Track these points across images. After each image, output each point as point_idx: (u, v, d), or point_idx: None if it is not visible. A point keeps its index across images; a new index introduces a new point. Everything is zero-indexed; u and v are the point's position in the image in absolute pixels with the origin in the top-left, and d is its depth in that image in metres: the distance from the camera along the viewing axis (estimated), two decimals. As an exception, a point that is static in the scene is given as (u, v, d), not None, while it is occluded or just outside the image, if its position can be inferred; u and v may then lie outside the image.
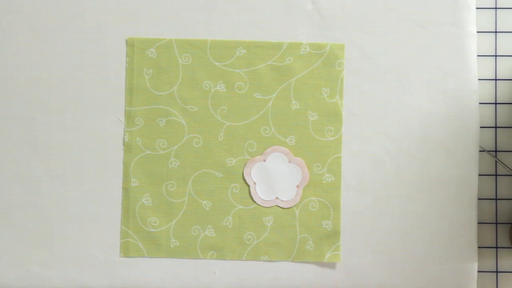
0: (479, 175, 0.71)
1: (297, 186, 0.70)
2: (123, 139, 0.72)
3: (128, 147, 0.72)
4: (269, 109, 0.71)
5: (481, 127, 0.71)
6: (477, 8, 0.72)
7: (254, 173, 0.71)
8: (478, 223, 0.71)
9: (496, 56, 0.72)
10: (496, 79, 0.72)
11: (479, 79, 0.71)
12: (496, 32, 0.73)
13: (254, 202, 0.71)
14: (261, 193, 0.71)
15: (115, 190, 0.72)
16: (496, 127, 0.72)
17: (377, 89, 0.71)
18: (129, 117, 0.72)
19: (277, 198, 0.70)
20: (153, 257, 0.71)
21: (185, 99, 0.72)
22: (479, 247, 0.71)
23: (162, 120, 0.72)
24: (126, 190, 0.71)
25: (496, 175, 0.72)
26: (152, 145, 0.72)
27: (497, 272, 0.72)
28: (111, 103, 0.72)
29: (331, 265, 0.71)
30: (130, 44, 0.72)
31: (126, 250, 0.71)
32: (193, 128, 0.72)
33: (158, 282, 0.71)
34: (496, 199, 0.72)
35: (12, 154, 0.72)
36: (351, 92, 0.71)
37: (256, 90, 0.72)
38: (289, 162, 0.70)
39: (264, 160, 0.70)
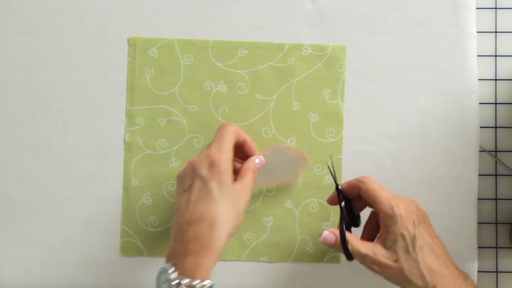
0: (479, 175, 0.71)
1: (296, 168, 0.70)
2: (124, 138, 0.72)
3: (128, 147, 0.72)
4: (270, 110, 0.72)
5: (481, 127, 0.71)
6: (477, 8, 0.72)
7: (269, 153, 0.70)
8: (478, 223, 0.71)
9: (496, 56, 0.73)
10: (496, 79, 0.73)
11: (479, 79, 0.71)
12: (496, 32, 0.73)
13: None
14: (261, 179, 0.69)
15: (115, 190, 0.72)
16: (496, 127, 0.73)
17: (377, 89, 0.72)
18: (130, 116, 0.72)
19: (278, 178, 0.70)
20: (153, 257, 0.71)
21: (186, 99, 0.72)
22: (479, 247, 0.71)
23: (163, 119, 0.72)
24: (126, 189, 0.71)
25: (496, 175, 0.72)
26: (153, 145, 0.72)
27: (497, 272, 0.72)
28: (112, 102, 0.72)
29: (331, 267, 0.71)
30: (132, 43, 0.72)
31: (126, 250, 0.71)
32: (194, 128, 0.72)
33: (158, 282, 0.71)
34: (496, 199, 0.72)
35: (12, 154, 0.72)
36: (351, 92, 0.72)
37: (257, 90, 0.72)
38: (289, 155, 0.70)
39: (264, 155, 0.69)
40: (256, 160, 0.66)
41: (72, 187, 0.71)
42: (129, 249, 0.71)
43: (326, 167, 0.71)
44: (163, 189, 0.71)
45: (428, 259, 0.60)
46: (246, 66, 0.72)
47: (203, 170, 0.60)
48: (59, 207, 0.71)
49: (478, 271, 0.71)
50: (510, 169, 0.72)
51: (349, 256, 0.61)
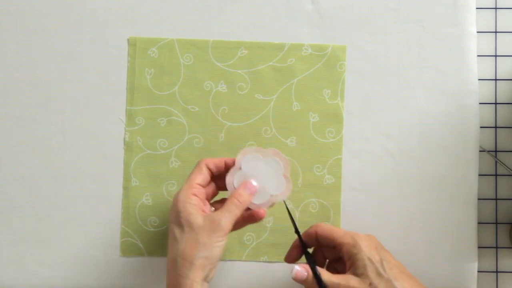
0: (479, 175, 0.71)
1: (284, 175, 0.65)
2: (124, 138, 0.72)
3: (128, 147, 0.72)
4: (270, 110, 0.72)
5: (481, 127, 0.72)
6: (477, 8, 0.72)
7: (237, 183, 0.64)
8: (478, 223, 0.71)
9: (496, 56, 0.73)
10: (496, 79, 0.73)
11: (479, 79, 0.72)
12: (496, 32, 0.73)
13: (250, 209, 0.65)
14: (254, 200, 0.64)
15: (115, 190, 0.72)
16: (496, 127, 0.73)
17: (377, 89, 0.72)
18: (130, 116, 0.72)
19: (271, 196, 0.64)
20: (153, 257, 0.71)
21: (186, 99, 0.72)
22: (479, 247, 0.71)
23: (163, 119, 0.72)
24: (126, 189, 0.71)
25: (496, 175, 0.73)
26: (153, 145, 0.72)
27: (497, 272, 0.72)
28: (112, 102, 0.72)
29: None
30: (132, 43, 0.72)
31: (126, 250, 0.71)
32: (194, 128, 0.72)
33: (158, 282, 0.71)
34: (496, 199, 0.72)
35: (12, 154, 0.72)
36: (351, 92, 0.72)
37: (257, 90, 0.72)
38: (263, 157, 0.65)
39: (240, 168, 0.64)
40: (246, 187, 0.63)
41: (72, 187, 0.71)
42: (129, 249, 0.71)
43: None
44: (163, 189, 0.71)
45: (401, 278, 0.60)
46: (246, 66, 0.72)
47: (170, 213, 0.62)
48: (59, 207, 0.71)
49: (478, 271, 0.71)
50: (510, 169, 0.72)
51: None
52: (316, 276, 0.61)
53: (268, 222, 0.71)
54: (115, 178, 0.72)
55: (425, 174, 0.71)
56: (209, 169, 0.63)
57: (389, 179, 0.71)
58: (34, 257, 0.71)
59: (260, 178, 0.64)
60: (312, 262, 0.62)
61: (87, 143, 0.72)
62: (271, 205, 0.64)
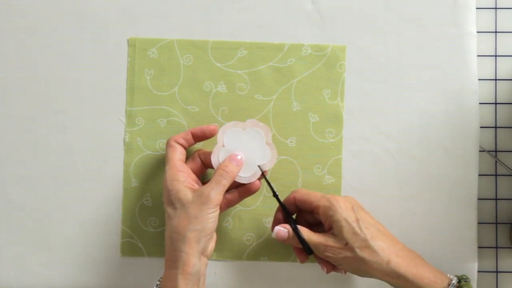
0: (479, 175, 0.71)
1: (267, 143, 0.66)
2: (124, 139, 0.72)
3: (128, 147, 0.72)
4: (270, 110, 0.72)
5: (481, 127, 0.71)
6: (477, 8, 0.72)
7: (222, 160, 0.66)
8: (478, 223, 0.71)
9: (496, 56, 0.73)
10: (496, 79, 0.73)
11: (479, 79, 0.71)
12: (496, 32, 0.73)
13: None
14: (243, 173, 0.66)
15: (115, 190, 0.72)
16: (496, 127, 0.73)
17: (377, 89, 0.72)
18: (130, 117, 0.72)
19: (258, 166, 0.65)
20: (153, 257, 0.71)
21: (186, 99, 0.72)
22: (479, 247, 0.71)
23: (163, 120, 0.72)
24: (126, 190, 0.71)
25: (496, 175, 0.73)
26: (153, 146, 0.72)
27: (497, 272, 0.72)
28: (111, 103, 0.72)
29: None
30: (132, 44, 0.72)
31: (126, 250, 0.71)
32: (193, 129, 0.72)
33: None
34: (496, 199, 0.72)
35: (12, 154, 0.72)
36: (351, 92, 0.72)
37: (257, 91, 0.72)
38: (243, 129, 0.66)
39: (223, 145, 0.66)
40: (231, 159, 0.65)
41: (72, 187, 0.71)
42: (129, 249, 0.71)
43: (325, 166, 0.69)
44: (163, 190, 0.71)
45: (377, 237, 0.62)
46: (245, 67, 0.72)
47: (163, 197, 0.64)
48: (59, 207, 0.71)
49: (478, 271, 0.71)
50: (510, 169, 0.72)
51: (308, 248, 0.64)
52: (298, 234, 0.63)
53: (268, 222, 0.71)
54: (115, 178, 0.72)
55: (425, 174, 0.71)
56: (180, 144, 0.66)
57: (389, 179, 0.71)
58: (34, 257, 0.71)
59: (244, 150, 0.66)
60: (293, 221, 0.65)
61: (87, 143, 0.72)
62: (262, 176, 0.66)
